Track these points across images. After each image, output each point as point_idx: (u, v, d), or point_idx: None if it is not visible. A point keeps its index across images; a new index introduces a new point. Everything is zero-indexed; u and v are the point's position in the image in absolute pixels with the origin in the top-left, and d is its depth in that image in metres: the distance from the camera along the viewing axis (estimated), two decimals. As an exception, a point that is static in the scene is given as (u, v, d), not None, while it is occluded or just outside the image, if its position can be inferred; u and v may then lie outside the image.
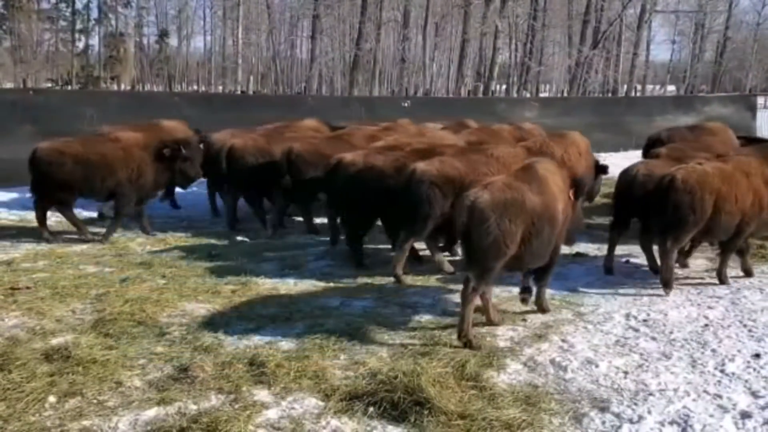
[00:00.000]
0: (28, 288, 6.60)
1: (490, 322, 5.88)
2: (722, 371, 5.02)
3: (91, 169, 8.67)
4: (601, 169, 9.25)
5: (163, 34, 60.36)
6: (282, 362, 4.94)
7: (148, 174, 8.97)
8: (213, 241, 8.85)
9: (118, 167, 8.76)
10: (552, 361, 5.17)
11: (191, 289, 6.73)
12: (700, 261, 8.11)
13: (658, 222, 6.86)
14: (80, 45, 51.29)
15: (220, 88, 52.85)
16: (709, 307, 6.43)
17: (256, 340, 5.48)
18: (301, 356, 5.10)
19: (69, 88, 41.79)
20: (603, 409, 4.44)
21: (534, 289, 6.32)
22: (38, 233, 8.76)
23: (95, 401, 4.42)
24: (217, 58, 56.75)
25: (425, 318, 6.08)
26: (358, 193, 7.50)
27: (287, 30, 51.94)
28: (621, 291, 6.95)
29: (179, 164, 9.15)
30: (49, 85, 46.49)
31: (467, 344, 5.35)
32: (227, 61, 50.06)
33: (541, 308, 6.26)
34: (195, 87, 61.40)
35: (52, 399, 4.40)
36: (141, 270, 7.35)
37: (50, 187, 8.68)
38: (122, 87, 50.97)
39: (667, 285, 6.77)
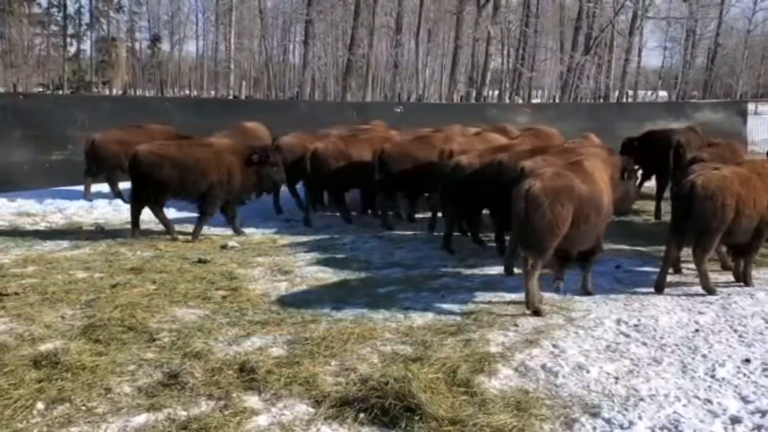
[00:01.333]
0: (17, 294, 6.57)
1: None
2: (713, 376, 5.02)
3: (186, 172, 9.13)
4: None
5: (155, 39, 60.26)
6: (272, 368, 4.93)
7: (237, 177, 9.39)
8: (203, 246, 8.82)
9: (210, 170, 9.19)
10: (543, 367, 5.17)
11: (181, 294, 6.70)
12: (692, 266, 8.12)
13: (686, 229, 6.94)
14: (72, 49, 51.09)
15: (213, 92, 52.73)
16: (700, 313, 6.44)
17: (247, 346, 5.45)
18: (291, 362, 5.08)
19: (60, 92, 41.61)
20: (594, 415, 4.44)
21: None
22: (130, 232, 9.28)
23: (84, 408, 4.39)
24: (210, 63, 56.66)
25: (417, 323, 6.07)
26: (471, 191, 8.32)
27: (280, 35, 52.06)
28: (612, 296, 6.96)
29: (267, 169, 9.59)
30: (40, 89, 46.29)
31: (536, 312, 6.21)
32: (219, 65, 49.94)
33: (586, 291, 6.89)
34: (187, 92, 61.19)
35: (40, 406, 4.37)
36: (131, 275, 7.32)
37: (147, 187, 9.14)
38: (114, 92, 50.81)
39: (710, 291, 6.92)
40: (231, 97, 36.59)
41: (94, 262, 7.93)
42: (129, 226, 9.98)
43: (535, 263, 6.23)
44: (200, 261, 7.95)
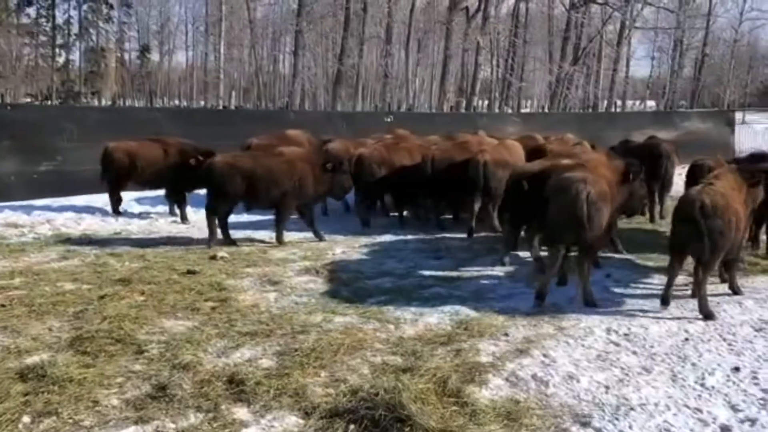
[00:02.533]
0: (3, 306, 6.50)
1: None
2: (702, 385, 5.03)
3: (260, 182, 9.43)
4: None
5: (144, 49, 60.26)
6: (262, 380, 4.89)
7: (309, 185, 9.76)
8: (192, 257, 8.78)
9: (283, 179, 9.49)
10: (533, 376, 5.16)
11: (170, 306, 6.65)
12: (681, 277, 8.14)
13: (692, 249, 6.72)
14: (60, 60, 51.01)
15: (202, 103, 52.72)
16: (689, 321, 6.46)
17: (236, 357, 5.41)
18: (281, 374, 5.04)
19: (49, 103, 41.46)
20: (584, 424, 4.43)
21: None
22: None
23: (71, 421, 4.34)
24: (199, 73, 56.71)
25: (407, 334, 6.04)
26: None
27: (270, 45, 52.18)
28: (602, 305, 6.96)
29: (339, 176, 10.04)
30: (28, 100, 46.11)
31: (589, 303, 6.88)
32: (209, 76, 49.95)
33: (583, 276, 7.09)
34: (177, 102, 61.24)
35: (26, 419, 4.31)
36: (119, 287, 7.26)
37: (221, 198, 9.41)
38: (103, 102, 50.69)
39: (709, 317, 6.51)
40: (221, 107, 36.60)
41: (82, 273, 7.87)
42: (117, 236, 9.99)
43: (592, 257, 7.09)
44: (189, 272, 7.90)
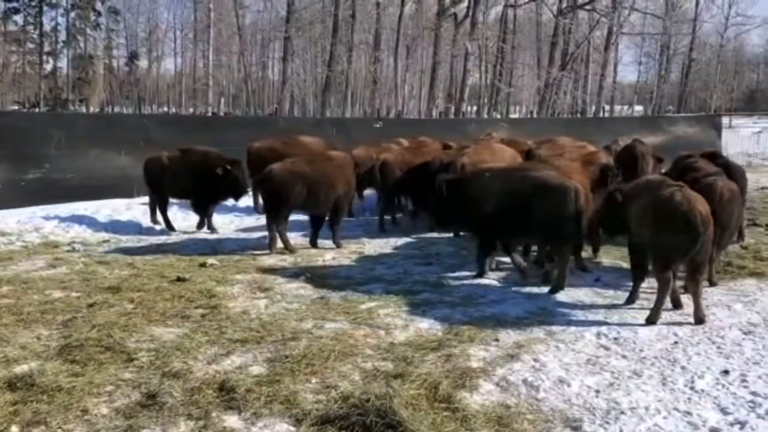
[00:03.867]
0: (-9, 314, 6.45)
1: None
2: (692, 388, 5.06)
3: (318, 187, 9.58)
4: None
5: (132, 56, 60.10)
6: (252, 387, 4.88)
7: (354, 189, 10.44)
8: (182, 264, 8.75)
9: (338, 184, 9.75)
10: (524, 381, 5.17)
11: (160, 313, 6.62)
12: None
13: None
14: (48, 67, 50.76)
15: (191, 109, 52.61)
16: (678, 325, 6.49)
17: (226, 364, 5.39)
18: (272, 380, 5.03)
19: (36, 110, 41.23)
20: (575, 429, 4.44)
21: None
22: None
23: (60, 430, 4.31)
24: (188, 80, 56.58)
25: (398, 339, 6.04)
26: None
27: (258, 52, 52.12)
28: (592, 310, 6.99)
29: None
30: (16, 107, 45.83)
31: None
32: (198, 82, 49.87)
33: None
34: (165, 109, 61.09)
35: (14, 429, 4.28)
36: (108, 295, 7.21)
37: (282, 204, 9.49)
38: (91, 109, 50.46)
39: (702, 321, 6.49)
40: (210, 113, 36.54)
41: (70, 281, 7.82)
42: (106, 245, 9.94)
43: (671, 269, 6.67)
44: (179, 279, 7.86)
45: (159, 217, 11.28)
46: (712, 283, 7.65)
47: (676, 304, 6.90)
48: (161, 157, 11.11)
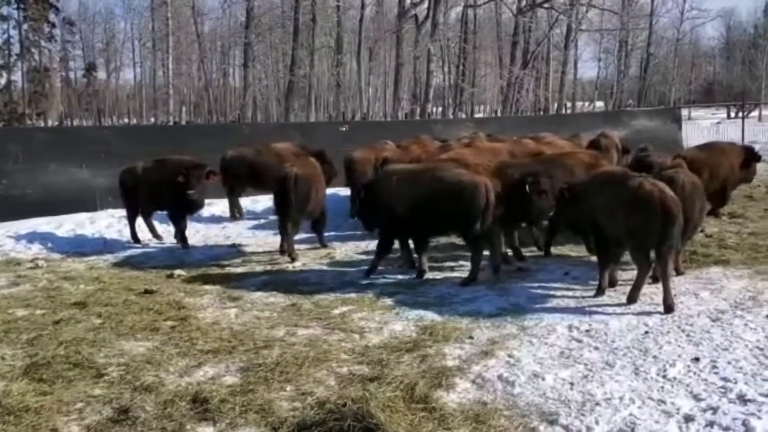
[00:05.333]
0: (-48, 336, 6.26)
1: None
2: (664, 377, 5.11)
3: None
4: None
5: (90, 68, 59.13)
6: (226, 397, 4.81)
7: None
8: (149, 276, 8.61)
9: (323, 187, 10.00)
10: (500, 377, 5.18)
11: (128, 327, 6.50)
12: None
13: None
14: (2, 81, 49.58)
15: (152, 119, 51.92)
16: (648, 314, 6.57)
17: (199, 376, 5.31)
18: (246, 390, 4.97)
19: (-8, 125, 40.31)
20: (552, 422, 4.46)
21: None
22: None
23: (28, 452, 4.20)
24: (148, 90, 55.88)
25: (372, 342, 6.02)
26: None
27: (219, 59, 51.74)
28: (563, 303, 7.05)
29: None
30: (-30, 123, 44.76)
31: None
32: (158, 92, 49.24)
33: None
34: (126, 120, 60.22)
35: (-19, 453, 4.16)
36: (75, 310, 7.06)
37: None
38: (49, 123, 49.50)
39: (671, 309, 6.61)
40: (171, 123, 36.13)
41: (34, 298, 7.64)
42: (70, 260, 9.73)
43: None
44: (146, 292, 7.74)
45: (143, 227, 11.06)
46: (678, 273, 7.77)
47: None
48: (136, 168, 10.90)
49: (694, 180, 7.72)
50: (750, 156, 11.70)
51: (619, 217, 6.85)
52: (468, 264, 8.55)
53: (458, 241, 9.31)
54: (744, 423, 4.34)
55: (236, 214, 12.86)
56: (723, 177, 11.29)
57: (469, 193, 7.66)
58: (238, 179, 12.56)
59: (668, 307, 6.62)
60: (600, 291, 7.26)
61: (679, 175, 7.60)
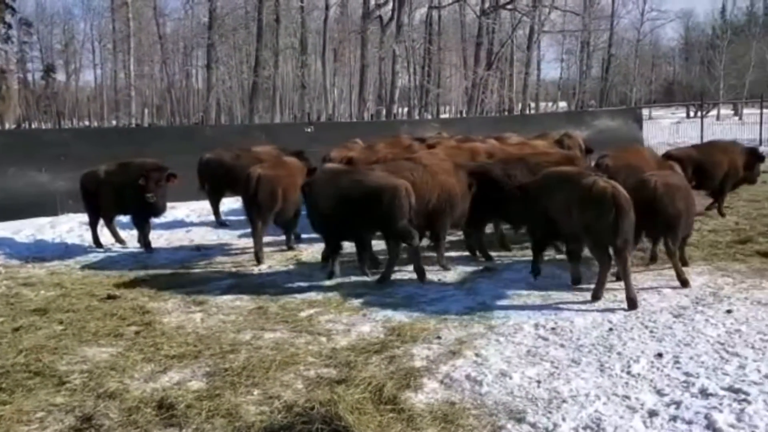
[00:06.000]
0: None
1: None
2: (629, 373, 5.19)
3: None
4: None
5: (49, 69, 58.00)
6: (192, 402, 4.75)
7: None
8: (112, 281, 8.46)
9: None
10: (467, 377, 5.20)
11: (91, 333, 6.38)
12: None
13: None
14: (-43, 84, 48.41)
15: (114, 122, 51.08)
16: (612, 311, 6.67)
17: (164, 381, 5.24)
18: (212, 395, 4.91)
19: (-53, 129, 39.28)
20: (519, 420, 4.49)
21: None
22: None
23: (-12, 463, 4.09)
24: (109, 92, 54.95)
25: (340, 345, 6.00)
26: None
27: (181, 60, 51.10)
28: (529, 302, 7.12)
29: None
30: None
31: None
32: (120, 93, 48.43)
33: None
34: (86, 122, 59.14)
35: (-63, 466, 4.04)
36: (35, 317, 6.91)
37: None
38: (6, 126, 48.42)
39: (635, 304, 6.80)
40: (133, 125, 35.60)
41: (-8, 306, 7.46)
42: (30, 266, 9.52)
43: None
44: (109, 297, 7.60)
45: (105, 232, 10.83)
46: (684, 264, 7.89)
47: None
48: (97, 171, 10.68)
49: (672, 181, 7.79)
50: (754, 157, 11.80)
51: (576, 214, 7.00)
52: (434, 265, 8.60)
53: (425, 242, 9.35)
54: (706, 416, 4.42)
55: (221, 219, 12.51)
56: (721, 176, 11.54)
57: (388, 197, 7.69)
58: (215, 182, 12.25)
59: (631, 302, 6.74)
60: (574, 281, 7.62)
61: (653, 177, 7.70)
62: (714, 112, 45.93)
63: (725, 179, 11.57)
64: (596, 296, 7.05)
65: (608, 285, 7.50)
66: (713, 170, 11.44)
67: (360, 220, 7.91)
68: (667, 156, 11.94)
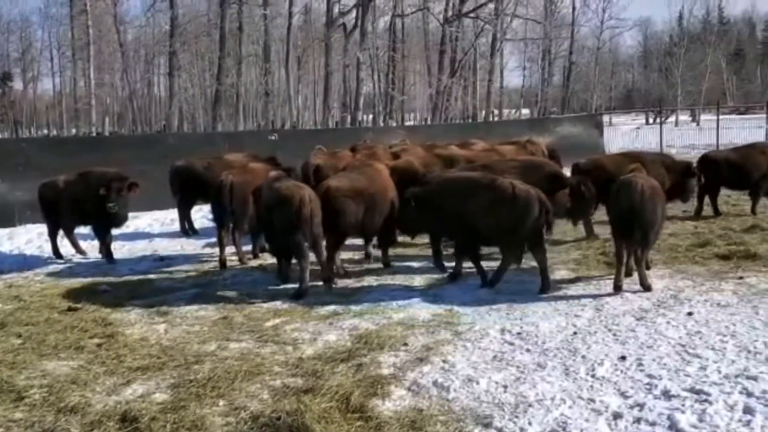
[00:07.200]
0: None
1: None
2: (593, 376, 5.25)
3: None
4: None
5: (5, 77, 56.69)
6: (157, 415, 4.66)
7: None
8: (73, 293, 8.28)
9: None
10: (435, 383, 5.21)
11: (51, 346, 6.24)
12: (565, 272, 8.53)
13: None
14: None
15: (73, 131, 50.14)
16: (576, 315, 6.75)
17: (128, 394, 5.14)
18: (177, 407, 4.83)
19: None
20: (486, 425, 4.51)
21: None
22: None
23: (-57, 483, 3.97)
24: (69, 100, 53.88)
25: (307, 354, 5.95)
26: None
27: (143, 68, 50.41)
28: (495, 307, 7.15)
29: None
30: None
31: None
32: (79, 102, 47.52)
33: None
34: (45, 131, 57.97)
35: None
36: (-8, 331, 6.73)
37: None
38: (-38, 135, 47.23)
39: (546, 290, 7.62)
40: (94, 134, 35.02)
41: (-53, 320, 7.24)
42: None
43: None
44: (70, 309, 7.44)
45: (65, 243, 10.60)
46: (648, 268, 7.97)
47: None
48: (57, 181, 10.43)
49: (652, 184, 7.89)
50: None
51: (494, 216, 7.56)
52: (403, 272, 8.62)
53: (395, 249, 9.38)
54: (669, 417, 4.50)
55: (188, 230, 12.29)
56: (758, 177, 11.92)
57: (288, 205, 7.77)
58: (186, 191, 12.04)
59: (544, 289, 7.58)
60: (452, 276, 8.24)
61: (637, 179, 7.82)
62: (672, 119, 46.98)
63: (763, 180, 11.94)
64: (544, 290, 7.61)
65: (573, 291, 7.62)
66: (752, 171, 11.88)
67: (274, 228, 8.11)
68: (706, 158, 12.39)
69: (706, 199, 12.11)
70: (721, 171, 11.92)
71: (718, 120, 26.19)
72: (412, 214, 8.22)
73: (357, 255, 9.65)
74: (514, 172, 8.52)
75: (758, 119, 30.29)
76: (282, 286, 8.34)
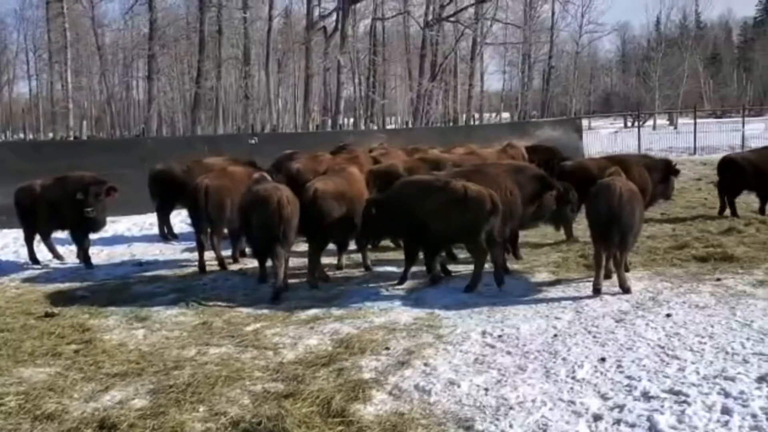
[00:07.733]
0: None
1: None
2: (573, 378, 5.27)
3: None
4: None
5: (-21, 81, 55.89)
6: (135, 422, 4.62)
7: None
8: (50, 298, 8.18)
9: None
10: (416, 386, 5.20)
11: (27, 353, 6.15)
12: (545, 274, 8.57)
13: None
14: None
15: (50, 134, 49.53)
16: (556, 318, 6.78)
17: (106, 401, 5.08)
18: (156, 413, 4.78)
19: None
20: (468, 428, 4.52)
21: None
22: None
23: None
24: (45, 104, 53.24)
25: (287, 358, 5.93)
26: None
27: (121, 71, 49.96)
28: (476, 310, 7.16)
29: None
30: None
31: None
32: (57, 106, 46.95)
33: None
34: (21, 135, 57.21)
35: None
36: (-34, 338, 6.62)
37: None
38: (-64, 139, 46.48)
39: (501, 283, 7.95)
40: (71, 138, 34.64)
41: None
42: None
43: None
44: (47, 315, 7.35)
45: (41, 248, 10.45)
46: (627, 270, 8.04)
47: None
48: (33, 186, 10.26)
49: (630, 187, 7.94)
50: None
51: (451, 216, 7.69)
52: (384, 276, 8.61)
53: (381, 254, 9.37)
54: (648, 419, 4.53)
55: (168, 235, 12.15)
56: None
57: (265, 205, 7.91)
58: (164, 195, 11.88)
59: (499, 282, 7.85)
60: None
61: (616, 182, 7.87)
62: (650, 122, 47.47)
63: None
64: (471, 289, 7.83)
65: (553, 293, 7.66)
66: None
67: (250, 229, 8.29)
68: (726, 160, 12.54)
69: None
70: (745, 173, 12.06)
71: (695, 124, 26.51)
72: (374, 219, 8.24)
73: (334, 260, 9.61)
74: (504, 175, 8.54)
75: (735, 122, 30.74)
76: (263, 292, 8.29)
